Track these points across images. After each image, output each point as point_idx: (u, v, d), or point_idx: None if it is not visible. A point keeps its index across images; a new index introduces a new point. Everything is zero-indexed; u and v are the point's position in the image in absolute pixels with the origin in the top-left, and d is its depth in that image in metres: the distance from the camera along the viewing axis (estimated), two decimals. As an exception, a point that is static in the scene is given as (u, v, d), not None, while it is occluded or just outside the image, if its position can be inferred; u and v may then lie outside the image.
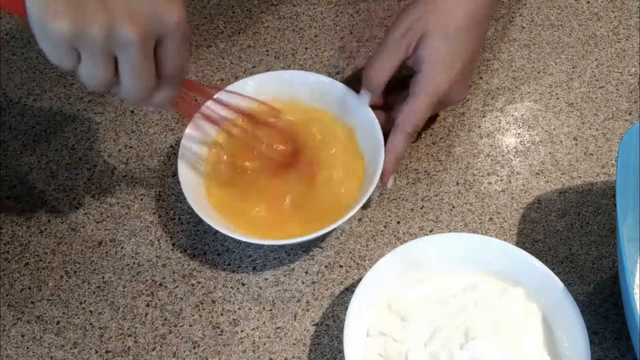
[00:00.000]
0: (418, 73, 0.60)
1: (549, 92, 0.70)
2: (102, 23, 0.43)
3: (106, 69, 0.45)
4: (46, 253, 0.61)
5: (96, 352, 0.57)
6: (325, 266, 0.60)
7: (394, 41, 0.60)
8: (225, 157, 0.62)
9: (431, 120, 0.67)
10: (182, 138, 0.60)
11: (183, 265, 0.60)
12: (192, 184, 0.59)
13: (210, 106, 0.60)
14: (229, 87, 0.63)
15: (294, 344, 0.57)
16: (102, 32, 0.43)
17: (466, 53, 0.60)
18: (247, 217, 0.59)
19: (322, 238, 0.62)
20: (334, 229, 0.62)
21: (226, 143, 0.62)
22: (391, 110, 0.63)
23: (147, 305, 0.59)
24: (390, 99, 0.64)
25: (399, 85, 0.63)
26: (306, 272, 0.60)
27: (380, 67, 0.61)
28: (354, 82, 0.64)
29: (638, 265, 0.57)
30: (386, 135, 0.61)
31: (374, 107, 0.63)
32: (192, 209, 0.63)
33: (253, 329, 0.57)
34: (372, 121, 0.61)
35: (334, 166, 0.61)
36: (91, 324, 0.58)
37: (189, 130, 0.61)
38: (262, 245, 0.61)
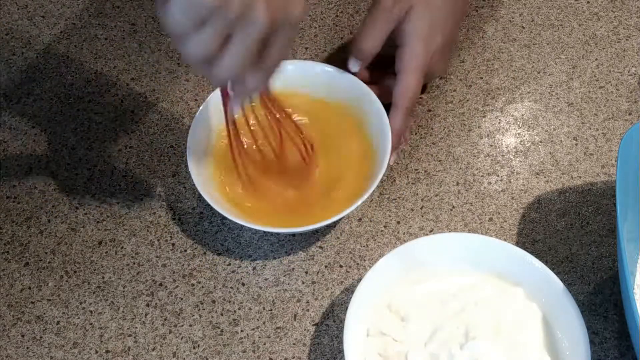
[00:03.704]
0: (402, 47, 0.62)
1: (549, 92, 0.70)
2: (244, 0, 0.43)
3: (217, 44, 0.45)
4: (46, 253, 0.61)
5: (96, 352, 0.57)
6: (325, 266, 0.60)
7: (383, 12, 0.62)
8: (235, 146, 0.62)
9: (422, 89, 0.67)
10: (188, 132, 0.60)
11: (183, 265, 0.61)
12: (202, 174, 0.59)
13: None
14: None
15: (294, 344, 0.57)
16: (240, 9, 0.43)
17: (446, 28, 0.63)
18: (254, 208, 0.60)
19: (322, 238, 0.62)
20: (335, 228, 0.62)
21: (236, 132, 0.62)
22: (379, 85, 0.65)
23: (147, 305, 0.59)
24: (377, 75, 0.66)
25: (384, 61, 0.64)
26: (306, 272, 0.60)
27: (371, 38, 0.63)
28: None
29: (638, 265, 0.57)
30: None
31: (362, 80, 0.64)
32: (192, 209, 0.63)
33: (253, 329, 0.57)
34: (380, 111, 0.61)
35: (342, 156, 0.62)
36: (91, 324, 0.58)
37: (198, 115, 0.61)
38: (262, 245, 0.61)
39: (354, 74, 0.64)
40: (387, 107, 0.63)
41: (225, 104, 0.55)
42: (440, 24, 0.62)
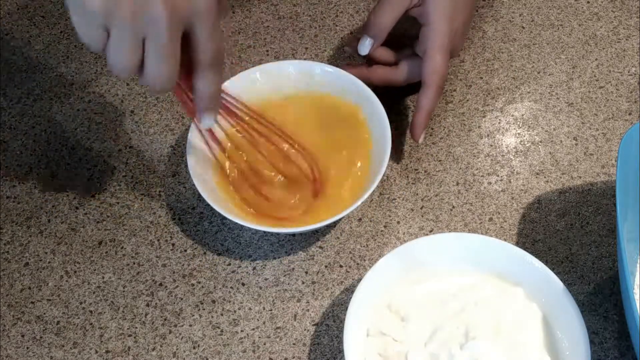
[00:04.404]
0: (426, 26, 0.62)
1: (549, 92, 0.70)
2: (134, 0, 0.43)
3: (133, 52, 0.45)
4: (46, 253, 0.61)
5: (96, 352, 0.57)
6: (325, 266, 0.60)
7: None
8: (233, 151, 0.62)
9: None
10: (188, 131, 0.60)
11: (183, 265, 0.61)
12: (202, 174, 0.59)
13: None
14: (232, 80, 0.63)
15: (294, 344, 0.57)
16: (133, 9, 0.43)
17: (465, 8, 0.63)
18: (256, 208, 0.60)
19: (322, 238, 0.62)
20: (335, 228, 0.62)
21: (235, 138, 0.62)
22: (397, 66, 0.65)
23: (147, 305, 0.59)
24: (397, 56, 0.66)
25: (401, 41, 0.64)
26: (306, 272, 0.60)
27: (386, 13, 0.62)
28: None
29: (638, 265, 0.57)
30: (380, 88, 0.62)
31: (381, 62, 0.64)
32: (192, 209, 0.63)
33: (253, 329, 0.57)
34: (380, 110, 0.61)
35: (342, 156, 0.62)
36: (91, 324, 0.58)
37: (194, 125, 0.61)
38: (262, 245, 0.61)
39: (364, 56, 0.64)
40: (394, 92, 0.63)
41: (187, 111, 0.54)
42: (461, 3, 0.63)
